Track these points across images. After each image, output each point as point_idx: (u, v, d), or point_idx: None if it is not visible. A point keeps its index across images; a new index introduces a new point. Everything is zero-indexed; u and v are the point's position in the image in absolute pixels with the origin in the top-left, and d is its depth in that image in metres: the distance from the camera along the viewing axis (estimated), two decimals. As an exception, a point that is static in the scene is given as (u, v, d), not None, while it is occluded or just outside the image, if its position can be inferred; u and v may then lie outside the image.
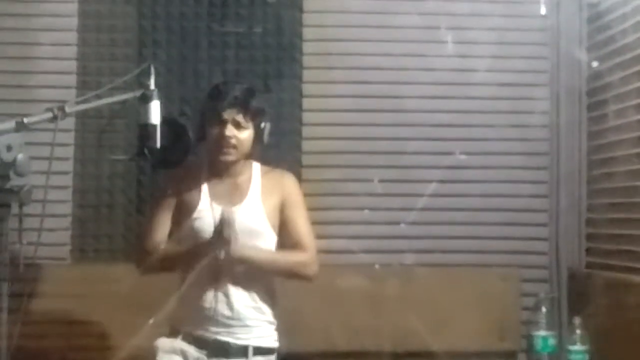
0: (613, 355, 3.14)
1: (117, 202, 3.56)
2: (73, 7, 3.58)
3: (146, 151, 2.55)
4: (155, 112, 2.55)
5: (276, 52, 3.62)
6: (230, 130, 2.82)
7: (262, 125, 2.89)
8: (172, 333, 2.85)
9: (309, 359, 3.38)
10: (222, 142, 2.82)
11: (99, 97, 2.61)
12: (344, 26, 3.66)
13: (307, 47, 3.65)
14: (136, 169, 3.56)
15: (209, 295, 2.81)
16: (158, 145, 2.55)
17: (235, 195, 2.90)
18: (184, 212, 2.88)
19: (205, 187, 2.90)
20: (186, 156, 2.71)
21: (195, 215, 2.86)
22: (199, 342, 2.81)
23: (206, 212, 2.85)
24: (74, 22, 3.58)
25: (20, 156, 2.25)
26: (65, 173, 3.52)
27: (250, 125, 2.86)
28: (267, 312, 2.89)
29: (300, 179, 3.41)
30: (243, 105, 2.84)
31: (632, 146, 3.25)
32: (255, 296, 2.86)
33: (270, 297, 2.91)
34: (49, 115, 2.34)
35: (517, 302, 3.58)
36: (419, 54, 3.65)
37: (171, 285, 2.87)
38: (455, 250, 3.60)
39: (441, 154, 3.61)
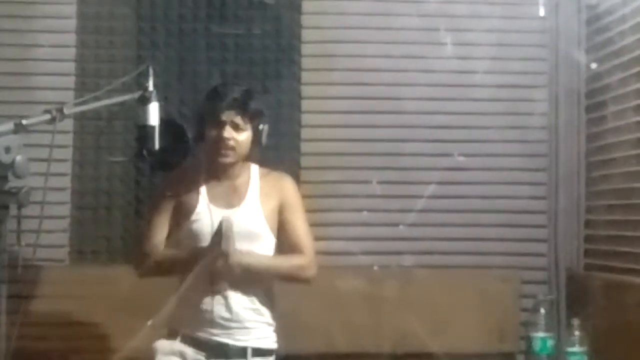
0: (612, 357, 3.14)
1: (116, 203, 3.56)
2: (72, 9, 3.58)
3: (145, 153, 2.54)
4: (153, 114, 2.55)
5: (275, 54, 3.62)
6: (228, 132, 2.82)
7: (261, 127, 2.88)
8: (171, 335, 2.85)
9: (308, 361, 3.38)
10: (220, 144, 2.82)
11: (97, 98, 2.60)
12: (342, 28, 3.66)
13: (305, 49, 3.65)
14: (135, 171, 3.56)
15: (208, 298, 2.80)
16: (156, 146, 2.55)
17: (234, 197, 2.89)
18: (182, 214, 2.88)
19: (203, 190, 2.89)
20: (185, 158, 2.71)
21: (193, 217, 2.85)
22: (198, 344, 2.81)
23: (204, 214, 2.85)
24: (72, 23, 3.58)
25: (18, 158, 2.24)
26: (64, 175, 3.52)
27: (248, 127, 2.86)
28: (266, 314, 2.89)
29: (298, 180, 3.42)
30: (241, 107, 2.84)
31: (631, 148, 3.26)
32: (253, 298, 2.85)
33: (268, 298, 2.91)
34: (48, 116, 2.33)
35: (515, 303, 3.58)
36: (417, 55, 3.65)
37: (170, 287, 2.86)
38: (454, 252, 3.60)
39: (440, 155, 3.61)
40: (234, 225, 2.77)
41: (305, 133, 3.63)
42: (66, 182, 3.53)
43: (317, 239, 3.00)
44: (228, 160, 2.84)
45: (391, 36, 3.65)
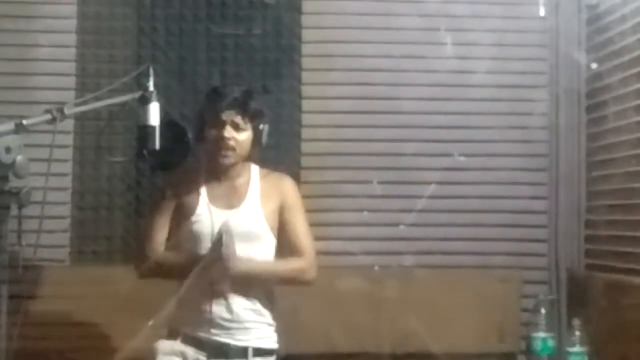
0: (612, 357, 3.14)
1: (116, 203, 3.56)
2: (72, 9, 3.58)
3: (145, 153, 2.55)
4: (154, 114, 2.55)
5: (275, 54, 3.62)
6: (228, 132, 2.82)
7: (261, 127, 2.88)
8: (172, 335, 2.85)
9: (308, 361, 3.38)
10: (220, 143, 2.82)
11: (98, 98, 2.60)
12: (343, 28, 3.66)
13: (306, 49, 3.65)
14: (135, 171, 3.56)
15: (208, 298, 2.80)
16: (157, 147, 2.55)
17: (234, 198, 2.89)
18: (182, 215, 2.88)
19: (203, 190, 2.89)
20: (185, 158, 2.71)
21: (193, 218, 2.85)
22: (199, 344, 2.81)
23: (204, 215, 2.85)
24: (72, 23, 3.58)
25: (19, 158, 2.24)
26: (64, 175, 3.52)
27: (249, 126, 2.85)
28: (266, 314, 2.88)
29: (299, 180, 3.42)
30: (242, 107, 2.83)
31: (632, 148, 3.25)
32: (254, 298, 2.85)
33: (269, 298, 2.91)
34: (48, 116, 2.33)
35: (516, 303, 3.57)
36: (418, 55, 3.65)
37: (170, 287, 2.86)
38: (455, 252, 3.60)
39: (440, 155, 3.61)
40: (235, 225, 2.77)
41: (305, 133, 3.63)
42: (67, 182, 3.53)
43: (317, 239, 3.00)
44: (228, 160, 2.84)
45: (391, 36, 3.65)
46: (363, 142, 3.63)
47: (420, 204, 3.54)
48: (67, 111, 2.37)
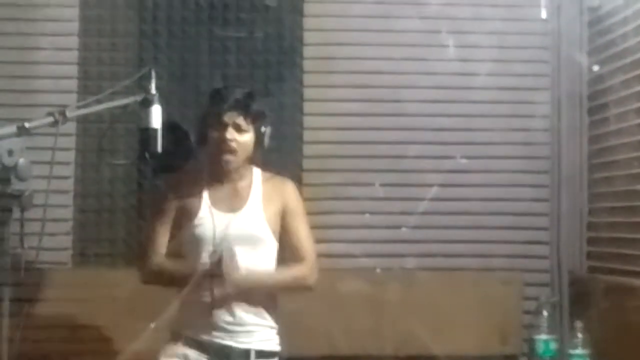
0: (614, 359, 3.13)
1: (118, 206, 3.56)
2: (74, 12, 3.59)
3: (147, 155, 2.54)
4: (156, 117, 2.55)
5: (277, 57, 3.62)
6: (231, 134, 2.81)
7: (263, 129, 2.88)
8: (174, 338, 2.85)
9: (310, 363, 3.38)
10: (222, 145, 2.81)
11: (100, 101, 2.60)
12: (344, 30, 3.66)
13: (307, 51, 3.65)
14: (137, 173, 3.56)
15: (210, 302, 2.80)
16: (159, 149, 2.55)
17: (236, 201, 2.89)
18: (184, 218, 2.87)
19: (205, 193, 2.88)
20: (187, 161, 2.71)
21: (195, 221, 2.84)
22: (201, 347, 2.81)
23: (206, 218, 2.84)
24: (75, 26, 3.59)
25: (21, 161, 2.24)
26: (67, 177, 3.52)
27: (251, 128, 2.85)
28: (269, 317, 2.88)
29: (301, 183, 3.42)
30: (244, 108, 2.83)
31: (633, 150, 3.26)
32: (256, 301, 2.85)
33: (271, 301, 2.90)
34: (50, 119, 2.33)
35: (518, 305, 3.57)
36: (419, 58, 3.65)
37: (172, 290, 2.86)
38: (457, 254, 3.60)
39: (442, 157, 3.62)
40: (236, 229, 2.77)
41: (307, 135, 3.63)
42: (69, 184, 3.53)
43: (319, 241, 3.00)
44: (230, 162, 2.83)
45: (393, 38, 3.65)
46: (365, 144, 3.63)
47: (422, 206, 3.54)
48: (69, 114, 2.37)
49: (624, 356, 3.08)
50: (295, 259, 2.91)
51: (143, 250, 2.95)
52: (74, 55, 3.58)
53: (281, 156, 3.48)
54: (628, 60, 3.32)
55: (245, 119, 2.83)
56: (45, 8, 3.57)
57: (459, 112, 3.64)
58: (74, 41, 3.58)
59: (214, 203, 2.87)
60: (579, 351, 3.18)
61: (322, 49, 3.65)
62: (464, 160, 3.60)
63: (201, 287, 2.76)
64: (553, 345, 3.33)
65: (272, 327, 2.89)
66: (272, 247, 2.90)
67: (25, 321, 2.41)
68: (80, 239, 3.55)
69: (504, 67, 3.64)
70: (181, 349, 2.80)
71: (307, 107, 3.64)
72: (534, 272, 3.63)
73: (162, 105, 2.57)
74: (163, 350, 2.80)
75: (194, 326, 2.81)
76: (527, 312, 3.54)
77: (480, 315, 3.51)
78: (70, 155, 3.53)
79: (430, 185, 3.56)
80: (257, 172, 2.95)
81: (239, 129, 2.82)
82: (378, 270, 3.51)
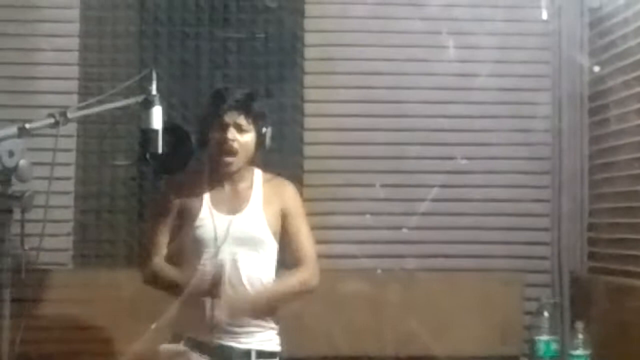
0: (615, 360, 3.14)
1: (119, 207, 3.56)
2: (75, 13, 3.59)
3: (148, 157, 2.54)
4: (157, 118, 2.55)
5: (278, 57, 3.62)
6: (232, 134, 2.81)
7: (264, 129, 2.88)
8: (175, 338, 2.84)
9: (311, 364, 3.38)
10: (224, 145, 2.81)
11: (100, 102, 2.60)
12: (345, 31, 3.66)
13: (308, 52, 3.65)
14: (138, 175, 3.56)
15: (210, 302, 2.80)
16: (160, 150, 2.55)
17: (237, 202, 2.88)
18: (185, 219, 2.87)
19: (206, 194, 2.88)
20: (188, 162, 2.71)
21: (196, 223, 2.84)
22: (202, 347, 2.80)
23: (207, 220, 2.84)
24: (75, 27, 3.59)
25: (22, 162, 2.24)
26: (67, 178, 3.52)
27: (252, 128, 2.84)
28: (269, 317, 2.88)
29: (301, 183, 3.43)
30: (244, 108, 2.83)
31: (634, 150, 3.25)
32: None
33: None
34: (51, 120, 2.33)
35: (519, 306, 3.57)
36: (420, 58, 3.65)
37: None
38: (457, 255, 3.60)
39: (443, 158, 3.62)
40: (237, 230, 2.79)
41: (308, 136, 3.63)
42: (70, 186, 3.54)
43: (320, 242, 3.00)
44: (232, 164, 2.83)
45: (394, 39, 3.65)
46: (366, 145, 3.63)
47: (423, 207, 3.54)
48: (70, 115, 2.37)
49: (625, 357, 3.08)
50: (295, 260, 2.91)
51: (143, 252, 2.96)
52: (74, 56, 3.58)
53: (282, 157, 3.48)
54: (629, 60, 3.32)
55: (246, 118, 2.82)
56: (46, 9, 3.58)
57: (459, 113, 3.64)
58: (74, 42, 3.58)
59: (215, 204, 2.87)
60: (579, 352, 3.18)
61: (323, 50, 3.65)
62: (464, 161, 3.60)
63: (203, 279, 2.77)
64: (554, 346, 3.32)
65: (272, 328, 2.89)
66: (272, 249, 2.90)
67: (26, 322, 2.40)
68: (80, 240, 3.55)
69: (504, 68, 3.64)
70: (182, 350, 2.80)
71: (308, 108, 3.64)
72: (534, 272, 3.63)
73: (162, 106, 2.57)
74: (162, 350, 2.80)
75: (195, 327, 2.81)
76: (528, 313, 3.53)
77: (480, 316, 3.51)
78: (71, 156, 3.53)
79: (431, 186, 3.56)
80: (258, 173, 2.95)
81: (240, 129, 2.82)
82: (379, 271, 3.51)
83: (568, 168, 3.68)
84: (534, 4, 3.67)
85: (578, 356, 3.18)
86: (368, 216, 3.57)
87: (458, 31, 3.61)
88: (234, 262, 2.80)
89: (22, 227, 2.26)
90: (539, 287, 3.61)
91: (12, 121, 2.35)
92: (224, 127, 2.81)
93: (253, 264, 2.83)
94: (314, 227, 2.98)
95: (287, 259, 2.92)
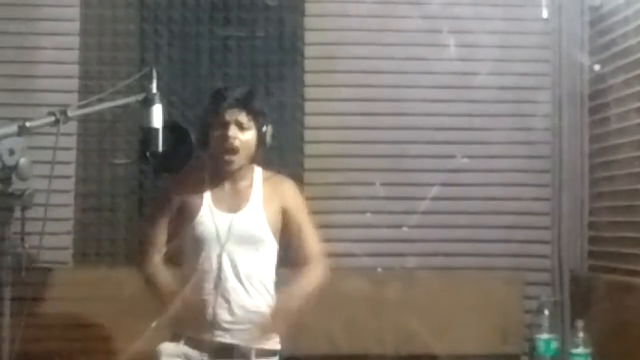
0: (615, 358, 3.13)
1: (119, 205, 3.56)
2: (75, 11, 3.59)
3: (148, 155, 2.55)
4: (157, 116, 2.55)
5: (278, 56, 3.62)
6: (233, 131, 2.81)
7: (264, 128, 2.88)
8: (175, 337, 2.85)
9: (311, 362, 3.38)
10: (225, 143, 2.81)
11: (101, 100, 2.60)
12: (345, 30, 3.66)
13: (309, 51, 3.65)
14: (138, 173, 3.55)
15: (210, 301, 2.80)
16: (160, 149, 2.55)
17: (237, 200, 2.89)
18: (185, 217, 2.87)
19: (206, 192, 2.88)
20: (188, 160, 2.71)
21: (196, 221, 2.85)
22: (202, 346, 2.81)
23: (207, 217, 2.84)
24: (76, 26, 3.59)
25: (22, 160, 2.24)
26: (68, 177, 3.52)
27: (252, 126, 2.85)
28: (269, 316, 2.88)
29: (302, 182, 3.42)
30: (245, 105, 2.83)
31: (634, 149, 3.26)
32: (256, 300, 2.85)
33: (272, 300, 2.90)
34: (51, 119, 2.33)
35: (519, 305, 3.57)
36: (420, 57, 3.65)
37: (172, 291, 2.86)
38: (458, 254, 3.60)
39: (443, 157, 3.62)
40: (237, 229, 2.79)
41: (308, 135, 3.63)
42: (70, 184, 3.53)
43: (320, 240, 3.00)
44: (233, 163, 2.83)
45: (394, 38, 3.65)
46: (366, 143, 3.63)
47: (423, 205, 3.54)
48: (70, 113, 2.37)
49: (625, 355, 3.08)
50: (301, 257, 2.91)
51: (141, 250, 2.96)
52: (75, 55, 3.58)
53: (282, 155, 3.48)
54: (629, 59, 3.32)
55: (247, 116, 2.83)
56: (46, 7, 3.57)
57: (459, 111, 3.64)
58: (75, 40, 3.58)
59: (215, 202, 2.87)
60: (580, 350, 3.18)
61: (323, 48, 3.65)
62: (465, 160, 3.60)
63: (204, 275, 2.78)
64: (554, 345, 3.33)
65: (272, 327, 2.89)
66: (272, 247, 2.90)
67: (26, 320, 2.41)
68: (81, 238, 3.55)
69: (504, 67, 3.64)
70: (182, 348, 2.81)
71: (308, 106, 3.64)
72: (535, 271, 3.63)
73: (163, 104, 2.57)
74: (162, 349, 2.80)
75: (194, 325, 2.81)
76: (528, 311, 3.54)
77: (481, 314, 3.51)
78: (71, 155, 3.53)
79: (431, 185, 3.56)
80: (258, 172, 2.95)
81: (241, 126, 2.82)
82: (379, 270, 3.51)
83: (568, 166, 3.68)
84: (534, 3, 3.66)
85: (578, 354, 3.18)
86: (368, 214, 3.57)
87: (458, 30, 3.61)
88: (233, 260, 2.81)
89: (23, 225, 2.27)
90: (539, 285, 3.62)
91: (13, 119, 2.36)
92: (225, 125, 2.81)
93: (252, 262, 2.83)
94: (314, 226, 2.98)
95: (290, 257, 2.92)
